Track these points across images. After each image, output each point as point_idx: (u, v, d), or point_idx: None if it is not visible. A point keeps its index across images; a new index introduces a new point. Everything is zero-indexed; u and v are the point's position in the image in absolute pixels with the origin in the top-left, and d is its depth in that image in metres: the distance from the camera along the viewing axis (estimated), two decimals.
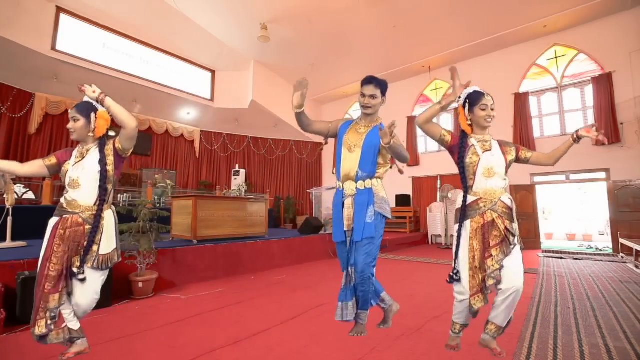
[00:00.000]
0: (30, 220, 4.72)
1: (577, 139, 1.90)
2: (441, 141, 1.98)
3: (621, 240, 6.20)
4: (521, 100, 8.23)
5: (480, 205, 1.86)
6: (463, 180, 1.93)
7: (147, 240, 3.46)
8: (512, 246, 1.80)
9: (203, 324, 2.58)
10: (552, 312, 2.86)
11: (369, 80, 2.06)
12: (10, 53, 6.53)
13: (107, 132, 1.95)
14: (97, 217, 1.78)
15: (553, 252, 7.21)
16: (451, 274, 1.89)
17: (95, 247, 1.77)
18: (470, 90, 1.98)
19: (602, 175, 7.31)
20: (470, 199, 1.90)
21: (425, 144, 10.25)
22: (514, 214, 1.88)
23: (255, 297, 3.40)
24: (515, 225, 1.86)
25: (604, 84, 7.15)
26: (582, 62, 7.69)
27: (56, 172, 1.84)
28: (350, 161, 2.04)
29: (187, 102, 9.57)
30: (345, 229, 2.02)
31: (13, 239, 3.87)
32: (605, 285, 3.98)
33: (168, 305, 3.10)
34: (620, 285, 3.97)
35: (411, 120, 10.23)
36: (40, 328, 1.68)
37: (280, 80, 10.75)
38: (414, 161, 9.96)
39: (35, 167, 1.79)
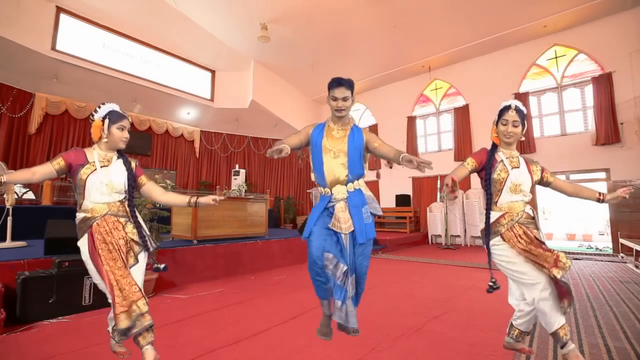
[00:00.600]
0: (30, 220, 4.74)
1: (602, 201, 1.90)
2: (473, 172, 1.96)
3: (621, 240, 6.20)
4: (521, 100, 8.18)
5: (507, 220, 1.83)
6: (488, 196, 1.89)
7: None
8: (569, 261, 1.74)
9: (203, 324, 2.58)
10: None
11: (339, 83, 2.00)
12: (10, 53, 6.53)
13: None
14: (132, 210, 1.92)
15: None
16: (490, 283, 1.86)
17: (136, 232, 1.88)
18: (504, 104, 1.96)
19: (602, 175, 7.31)
20: (495, 215, 1.86)
21: (425, 144, 10.25)
22: (538, 222, 1.88)
23: (255, 297, 3.40)
24: (542, 233, 1.85)
25: (604, 84, 7.15)
26: (582, 62, 7.70)
27: (64, 174, 1.85)
28: (337, 167, 2.01)
29: (187, 102, 9.57)
30: (344, 232, 1.96)
31: (13, 239, 3.88)
32: (605, 285, 3.98)
33: (168, 305, 3.10)
34: (620, 285, 3.98)
35: (411, 120, 10.23)
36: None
37: (280, 80, 10.76)
38: None
39: (45, 172, 1.79)
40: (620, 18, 7.13)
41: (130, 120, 1.92)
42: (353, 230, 1.97)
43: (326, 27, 8.09)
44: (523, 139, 1.96)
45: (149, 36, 8.38)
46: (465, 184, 8.76)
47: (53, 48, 6.89)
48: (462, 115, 9.17)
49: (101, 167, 1.82)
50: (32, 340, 2.25)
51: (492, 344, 2.12)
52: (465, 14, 7.47)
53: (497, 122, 1.95)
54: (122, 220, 1.85)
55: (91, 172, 1.79)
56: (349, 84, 2.01)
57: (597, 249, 7.75)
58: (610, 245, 7.21)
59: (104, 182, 1.81)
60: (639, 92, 6.78)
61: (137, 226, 1.89)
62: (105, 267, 1.70)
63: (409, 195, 10.05)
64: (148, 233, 1.95)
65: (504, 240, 1.82)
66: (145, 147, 9.90)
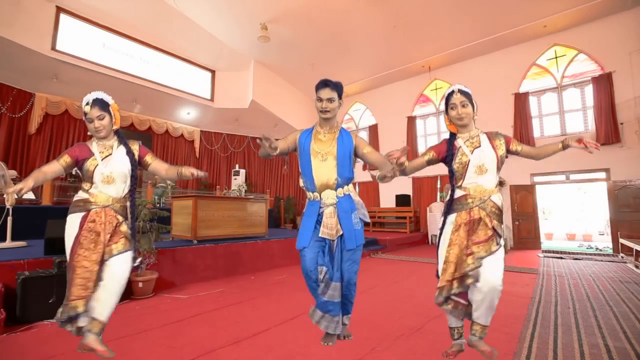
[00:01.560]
0: (30, 220, 4.74)
1: (566, 147, 1.85)
2: (431, 162, 1.97)
3: (621, 240, 6.20)
4: (521, 100, 8.23)
5: (468, 201, 1.85)
6: (451, 180, 1.94)
7: (147, 240, 3.46)
8: (497, 246, 1.76)
9: (203, 324, 2.58)
10: (552, 312, 2.86)
11: (324, 84, 1.98)
12: (10, 53, 6.53)
13: None
14: (133, 205, 1.95)
15: (553, 252, 7.21)
16: (438, 269, 1.90)
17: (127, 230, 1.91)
18: (447, 91, 1.96)
19: (602, 175, 7.31)
20: (459, 193, 1.88)
21: (426, 144, 10.25)
22: (502, 216, 1.87)
23: (255, 297, 3.40)
24: (503, 227, 1.85)
25: (604, 84, 7.15)
26: (582, 62, 7.70)
27: (71, 170, 1.90)
28: (326, 170, 1.98)
29: (187, 102, 9.57)
30: (332, 238, 1.96)
31: (13, 239, 3.88)
32: (605, 285, 3.98)
33: (168, 305, 3.10)
34: (620, 285, 3.98)
35: (411, 120, 10.23)
36: (72, 310, 1.71)
37: (280, 80, 10.75)
38: None
39: (55, 170, 1.83)
40: (620, 18, 7.13)
41: (98, 105, 1.87)
42: (341, 235, 1.96)
43: (326, 27, 8.09)
44: (477, 117, 1.93)
45: (149, 36, 8.37)
46: None
47: (53, 48, 6.89)
48: None
49: (103, 157, 1.86)
50: (32, 340, 2.25)
51: (492, 344, 2.11)
52: (465, 14, 7.47)
53: (447, 110, 1.95)
54: (119, 218, 1.88)
55: (96, 165, 1.84)
56: (335, 86, 1.98)
57: (597, 249, 7.75)
58: (610, 245, 7.21)
59: (105, 173, 1.85)
60: (639, 92, 6.78)
61: (131, 228, 1.94)
62: (78, 253, 1.74)
63: (409, 195, 10.05)
64: (134, 240, 1.98)
65: (453, 222, 1.85)
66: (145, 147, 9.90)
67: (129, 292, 3.34)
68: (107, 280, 1.80)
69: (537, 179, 8.17)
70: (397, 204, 10.10)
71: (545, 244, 8.63)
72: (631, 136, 6.83)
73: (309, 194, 2.07)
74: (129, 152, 1.93)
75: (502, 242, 1.80)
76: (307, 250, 1.98)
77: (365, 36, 8.43)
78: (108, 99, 1.93)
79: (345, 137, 2.03)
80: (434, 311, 2.82)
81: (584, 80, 7.60)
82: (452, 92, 1.92)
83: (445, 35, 8.31)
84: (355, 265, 2.01)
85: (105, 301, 1.81)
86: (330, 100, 1.97)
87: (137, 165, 1.98)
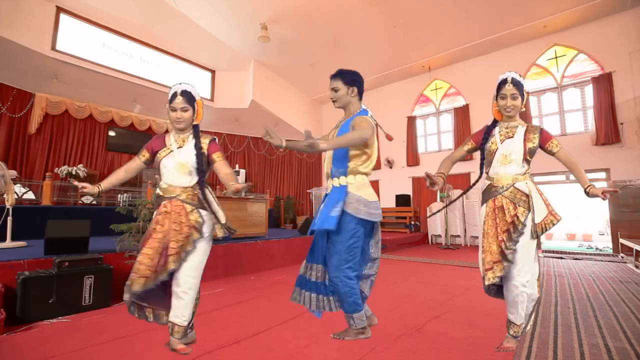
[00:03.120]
0: (30, 220, 4.74)
1: (587, 194, 1.86)
2: (471, 151, 2.04)
3: (621, 240, 6.20)
4: None
5: (492, 190, 1.90)
6: (481, 166, 1.99)
7: None
8: (517, 234, 1.74)
9: (203, 324, 2.57)
10: (552, 312, 2.85)
11: (331, 76, 2.04)
12: (10, 53, 6.53)
13: None
14: (203, 195, 1.94)
15: (553, 252, 7.21)
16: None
17: (200, 222, 1.91)
18: (501, 77, 1.97)
19: (602, 175, 7.31)
20: (486, 182, 1.97)
21: (425, 144, 10.25)
22: (532, 201, 1.81)
23: (255, 297, 3.40)
24: (529, 214, 1.79)
25: (604, 84, 7.15)
26: (582, 62, 7.69)
27: (151, 162, 1.98)
28: (327, 160, 2.04)
29: None
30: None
31: (13, 239, 3.87)
32: (605, 285, 3.98)
33: None
34: (620, 285, 3.97)
35: (411, 120, 10.23)
36: (128, 289, 1.82)
37: (280, 80, 10.75)
38: (414, 161, 9.97)
39: (137, 166, 1.92)
40: (620, 18, 7.13)
41: (186, 96, 1.92)
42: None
43: (326, 27, 8.09)
44: (524, 109, 1.95)
45: (149, 36, 8.37)
46: (464, 184, 8.75)
47: (53, 48, 6.89)
48: (462, 115, 9.17)
49: (177, 148, 1.92)
50: (32, 340, 2.25)
51: (492, 343, 2.11)
52: (465, 14, 7.47)
53: (497, 97, 1.97)
54: (187, 207, 1.89)
55: (165, 155, 1.90)
56: (338, 74, 2.01)
57: (597, 249, 7.74)
58: (610, 245, 7.20)
59: (172, 165, 1.90)
60: (639, 92, 6.78)
61: (201, 216, 1.91)
62: (145, 239, 1.89)
63: (409, 195, 10.05)
64: (222, 220, 1.97)
65: (484, 211, 1.93)
66: None
67: None
68: (180, 283, 1.88)
69: (537, 179, 8.17)
70: (397, 204, 10.10)
71: (545, 244, 8.62)
72: (631, 136, 6.83)
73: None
74: (197, 146, 1.94)
75: (524, 229, 1.75)
76: (316, 238, 2.08)
77: (365, 36, 8.43)
78: (196, 93, 1.97)
79: (347, 124, 2.00)
80: (434, 311, 2.82)
81: (584, 80, 7.60)
82: (505, 80, 1.90)
83: (445, 35, 8.30)
84: (337, 259, 1.90)
85: (179, 306, 1.89)
86: (334, 90, 2.01)
87: (205, 161, 1.97)
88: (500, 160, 1.87)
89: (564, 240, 10.44)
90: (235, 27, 8.34)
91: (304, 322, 2.60)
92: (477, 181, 1.98)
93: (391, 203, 10.30)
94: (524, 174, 1.88)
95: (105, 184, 1.87)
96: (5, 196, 3.87)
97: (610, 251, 7.05)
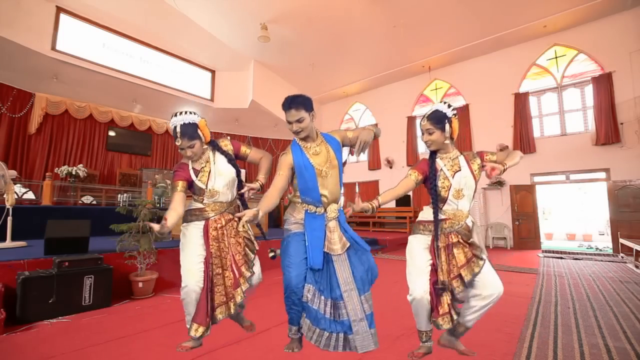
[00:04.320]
0: (30, 220, 4.74)
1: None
2: (418, 184, 1.95)
3: (621, 240, 6.20)
4: (521, 100, 8.23)
5: (447, 225, 1.86)
6: (434, 202, 1.89)
7: (147, 240, 3.45)
8: (482, 261, 1.79)
9: None
10: (552, 312, 2.85)
11: (287, 106, 1.84)
12: (10, 53, 6.53)
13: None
14: (243, 202, 2.05)
15: (553, 252, 7.21)
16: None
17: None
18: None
19: (602, 175, 7.31)
20: (439, 216, 1.87)
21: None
22: (473, 233, 1.88)
23: (255, 297, 3.39)
24: (476, 237, 1.86)
25: (604, 84, 7.15)
26: (582, 62, 7.69)
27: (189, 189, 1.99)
28: (333, 185, 1.92)
29: (187, 102, 9.56)
30: (337, 253, 1.86)
31: (13, 239, 3.87)
32: (605, 285, 3.98)
33: (168, 305, 3.10)
34: (620, 285, 3.97)
35: (411, 120, 10.23)
36: (221, 314, 1.92)
37: (280, 80, 10.75)
38: (414, 161, 9.96)
39: (183, 200, 1.89)
40: (620, 18, 7.13)
41: (187, 133, 1.86)
42: (347, 248, 1.89)
43: (326, 27, 8.09)
44: (448, 142, 1.87)
45: (149, 36, 8.38)
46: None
47: (53, 48, 6.89)
48: (462, 115, 9.16)
49: (205, 174, 1.94)
50: (32, 340, 2.25)
51: (492, 344, 2.12)
52: (465, 13, 7.47)
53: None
54: (236, 219, 1.96)
55: (208, 177, 1.93)
56: (299, 104, 1.83)
57: (597, 249, 7.74)
58: (610, 245, 7.20)
59: (213, 189, 1.94)
60: (639, 92, 6.78)
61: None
62: (213, 263, 1.91)
63: (409, 195, 10.05)
64: (262, 229, 2.10)
65: (432, 242, 1.87)
66: (145, 147, 9.90)
67: (129, 292, 3.34)
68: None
69: (537, 179, 8.17)
70: (397, 204, 10.10)
71: (545, 244, 8.63)
72: (631, 136, 6.83)
73: (309, 207, 1.92)
74: (231, 161, 2.01)
75: (484, 255, 1.82)
76: (293, 265, 1.85)
77: (365, 36, 8.43)
78: (195, 120, 1.90)
79: (334, 144, 1.96)
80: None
81: (584, 80, 7.60)
82: (424, 114, 1.93)
83: (445, 35, 8.30)
84: (371, 260, 2.00)
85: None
86: (299, 120, 1.84)
87: (238, 166, 2.06)
88: (454, 195, 1.85)
89: (564, 240, 10.43)
90: (235, 27, 8.34)
91: None
92: (437, 216, 1.87)
93: (391, 203, 10.27)
94: (469, 210, 1.92)
95: (171, 224, 1.81)
96: (5, 196, 3.87)
97: (610, 251, 7.05)
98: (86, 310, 2.86)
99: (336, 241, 1.86)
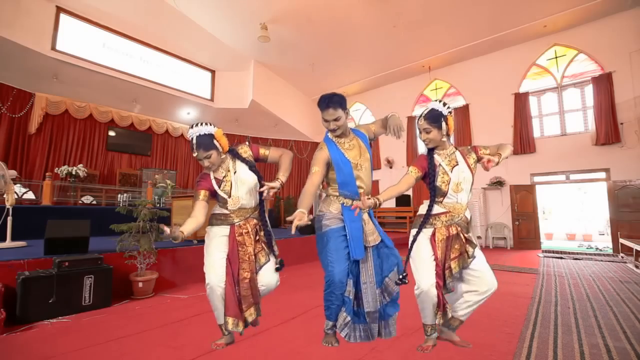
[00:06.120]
0: (30, 220, 4.74)
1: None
2: (418, 180, 1.99)
3: (621, 240, 6.20)
4: (521, 100, 8.23)
5: (447, 218, 1.93)
6: (432, 196, 1.96)
7: (147, 240, 3.45)
8: (470, 259, 1.88)
9: (203, 324, 2.58)
10: (552, 312, 2.86)
11: (326, 105, 1.92)
12: (10, 53, 6.53)
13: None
14: (262, 208, 2.08)
15: (553, 252, 7.21)
16: (403, 276, 1.97)
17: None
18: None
19: (602, 175, 7.31)
20: (438, 209, 1.95)
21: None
22: (470, 226, 2.00)
23: None
24: (471, 234, 1.97)
25: (604, 84, 7.15)
26: (582, 62, 7.69)
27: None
28: (367, 177, 2.03)
29: (187, 102, 9.57)
30: (370, 244, 2.01)
31: (13, 239, 3.87)
32: (605, 285, 3.98)
33: (168, 305, 3.10)
34: (620, 285, 3.97)
35: (411, 120, 10.23)
36: (251, 316, 1.93)
37: (280, 80, 10.75)
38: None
39: (205, 209, 1.93)
40: (620, 18, 7.13)
41: (202, 144, 1.89)
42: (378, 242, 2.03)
43: (326, 27, 8.09)
44: (445, 140, 1.95)
45: (149, 36, 8.37)
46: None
47: (53, 48, 6.89)
48: (462, 115, 9.16)
49: (234, 174, 1.99)
50: (32, 340, 2.25)
51: (492, 344, 2.12)
52: (465, 14, 7.47)
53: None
54: (260, 224, 2.05)
55: (230, 185, 1.96)
56: (336, 103, 1.92)
57: (597, 249, 7.74)
58: (610, 245, 7.21)
59: (243, 190, 1.98)
60: (639, 92, 6.78)
61: (266, 232, 2.06)
62: (241, 267, 1.93)
63: (409, 195, 10.05)
64: (273, 236, 2.12)
65: (432, 234, 1.94)
66: (145, 147, 9.90)
67: (129, 292, 3.34)
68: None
69: (537, 178, 8.17)
70: (397, 204, 10.10)
71: (545, 244, 8.63)
72: (631, 136, 6.83)
73: (345, 200, 1.99)
74: (252, 168, 2.03)
75: (474, 252, 1.90)
76: (336, 261, 1.91)
77: (365, 36, 8.43)
78: (210, 130, 1.92)
79: (364, 137, 2.09)
80: None
81: (584, 80, 7.60)
82: (419, 118, 1.99)
83: (445, 35, 8.30)
84: (394, 252, 2.11)
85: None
86: (336, 119, 1.94)
87: (259, 172, 2.08)
88: (453, 189, 1.91)
89: (564, 240, 10.43)
90: (235, 27, 8.34)
91: (304, 322, 2.60)
92: (429, 211, 1.94)
93: (391, 203, 10.29)
94: (468, 202, 1.99)
95: (187, 230, 1.83)
96: (5, 196, 3.87)
97: (610, 251, 7.05)
98: (86, 310, 2.86)
99: (372, 232, 2.00)
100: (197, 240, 4.61)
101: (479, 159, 1.95)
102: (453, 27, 7.97)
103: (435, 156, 1.96)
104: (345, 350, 2.02)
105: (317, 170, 1.96)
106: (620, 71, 7.03)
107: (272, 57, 9.52)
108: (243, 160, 2.04)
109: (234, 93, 10.01)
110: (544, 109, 8.24)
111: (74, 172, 7.32)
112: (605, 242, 8.31)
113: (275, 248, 2.08)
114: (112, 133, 9.20)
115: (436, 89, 9.99)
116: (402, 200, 10.06)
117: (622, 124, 6.93)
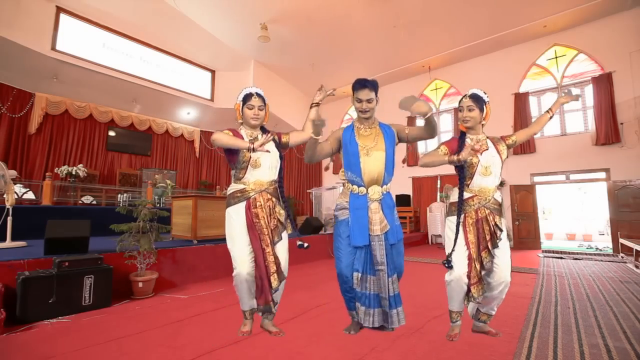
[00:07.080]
0: (30, 220, 4.74)
1: (553, 115, 2.12)
2: (446, 160, 2.01)
3: (621, 240, 6.20)
4: (521, 100, 8.23)
5: (475, 202, 2.01)
6: (461, 179, 2.03)
7: (147, 240, 3.45)
8: (499, 240, 1.95)
9: (203, 324, 2.58)
10: (552, 312, 2.85)
11: (363, 84, 2.01)
12: (10, 53, 6.53)
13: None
14: (281, 187, 2.15)
15: (553, 252, 7.21)
16: (448, 259, 2.03)
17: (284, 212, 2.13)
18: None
19: (602, 175, 7.31)
20: (467, 195, 2.03)
21: (425, 144, 10.23)
22: (503, 209, 2.06)
23: None
24: (504, 220, 2.03)
25: (604, 84, 7.15)
26: (582, 62, 7.70)
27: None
28: (375, 165, 2.02)
29: (187, 102, 9.57)
30: (376, 233, 1.99)
31: (13, 239, 3.87)
32: (605, 285, 3.98)
33: (168, 305, 3.10)
34: (620, 285, 3.97)
35: (411, 120, 10.22)
36: (275, 282, 2.05)
37: (280, 80, 10.75)
38: (414, 161, 9.97)
39: (237, 142, 1.95)
40: (620, 18, 7.13)
41: (261, 97, 2.10)
42: (387, 231, 2.02)
43: (326, 27, 8.09)
44: (484, 123, 2.06)
45: (149, 36, 8.38)
46: None
47: (53, 48, 6.89)
48: None
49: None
50: (32, 340, 2.25)
51: (492, 344, 2.12)
52: (465, 14, 7.47)
53: (459, 111, 2.11)
54: (274, 200, 2.08)
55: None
56: (372, 86, 2.04)
57: (597, 249, 7.75)
58: (610, 245, 7.21)
59: (266, 160, 2.04)
60: (639, 92, 6.78)
61: (284, 208, 2.12)
62: (262, 240, 2.01)
63: (409, 195, 10.05)
64: (290, 215, 2.18)
65: (463, 220, 2.02)
66: (145, 147, 9.91)
67: (129, 292, 3.34)
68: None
69: (537, 178, 8.17)
70: (397, 204, 10.07)
71: (545, 244, 8.63)
72: (631, 136, 6.84)
73: (353, 187, 2.08)
74: (278, 146, 2.13)
75: (503, 235, 1.97)
76: (343, 254, 2.03)
77: (365, 36, 8.43)
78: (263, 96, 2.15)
79: (387, 131, 2.11)
80: (434, 311, 2.82)
81: (584, 80, 7.60)
82: (463, 96, 2.07)
83: (445, 35, 8.30)
84: (402, 258, 2.14)
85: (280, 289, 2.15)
86: (369, 100, 2.04)
87: (280, 147, 2.17)
88: (482, 173, 1.98)
89: (564, 240, 10.44)
90: (235, 27, 8.33)
91: (304, 322, 2.60)
92: (461, 197, 2.01)
93: None
94: (497, 185, 2.07)
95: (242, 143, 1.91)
96: (5, 196, 3.88)
97: (610, 251, 7.05)
98: (86, 310, 2.86)
99: (377, 222, 2.00)
100: (197, 241, 4.61)
101: (509, 149, 2.09)
102: (453, 27, 7.97)
103: (467, 140, 2.03)
104: (345, 350, 2.02)
105: (327, 141, 2.13)
106: (620, 71, 7.03)
107: (272, 57, 9.52)
108: (271, 133, 2.12)
109: (234, 93, 9.85)
110: (544, 109, 8.21)
111: (74, 172, 7.31)
112: (605, 242, 8.31)
113: (289, 226, 2.16)
114: (112, 133, 9.20)
115: (436, 89, 10.00)
116: (402, 200, 10.06)
117: (622, 124, 6.93)
